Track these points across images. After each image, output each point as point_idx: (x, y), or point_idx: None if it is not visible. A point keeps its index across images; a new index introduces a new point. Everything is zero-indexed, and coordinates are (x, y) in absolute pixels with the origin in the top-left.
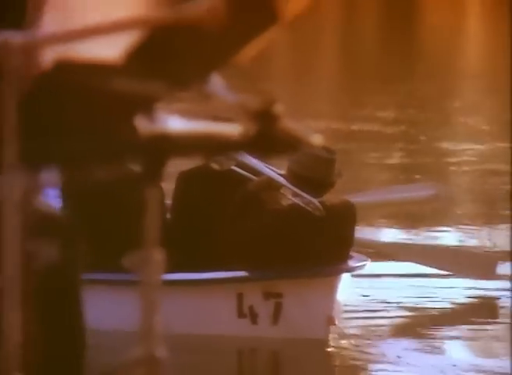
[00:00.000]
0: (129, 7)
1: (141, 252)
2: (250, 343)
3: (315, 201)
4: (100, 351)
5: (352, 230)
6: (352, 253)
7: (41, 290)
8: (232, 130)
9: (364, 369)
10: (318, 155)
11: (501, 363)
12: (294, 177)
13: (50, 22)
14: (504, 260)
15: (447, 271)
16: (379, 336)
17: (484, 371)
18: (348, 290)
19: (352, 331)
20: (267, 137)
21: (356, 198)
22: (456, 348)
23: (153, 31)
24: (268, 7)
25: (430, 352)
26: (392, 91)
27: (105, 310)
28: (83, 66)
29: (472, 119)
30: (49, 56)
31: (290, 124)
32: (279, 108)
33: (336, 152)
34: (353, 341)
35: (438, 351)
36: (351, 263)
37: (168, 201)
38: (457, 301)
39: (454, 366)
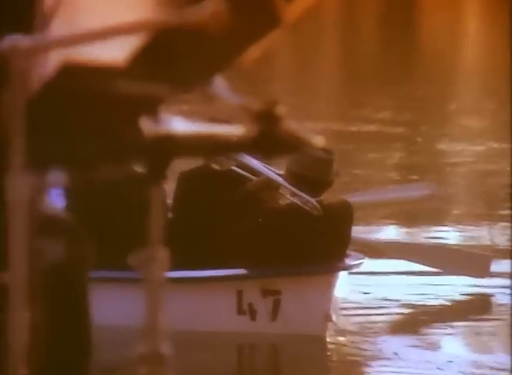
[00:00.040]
0: (135, 11)
1: (146, 251)
2: (249, 339)
3: (313, 200)
4: (105, 348)
5: (349, 229)
6: (349, 251)
7: (48, 288)
8: (235, 131)
9: (362, 364)
10: (316, 155)
11: (496, 359)
12: (293, 177)
13: (58, 26)
14: (499, 258)
15: (440, 269)
16: (376, 332)
17: (480, 367)
18: (345, 287)
19: (349, 328)
20: (269, 138)
21: (355, 198)
22: (452, 344)
23: (157, 34)
24: (270, 11)
25: (427, 348)
26: (391, 91)
27: (110, 307)
28: (88, 68)
29: (471, 119)
30: (55, 59)
31: (292, 125)
32: (281, 110)
33: (334, 153)
34: (350, 338)
35: (434, 347)
36: (348, 261)
37: (169, 201)
38: (452, 298)
39: (451, 362)
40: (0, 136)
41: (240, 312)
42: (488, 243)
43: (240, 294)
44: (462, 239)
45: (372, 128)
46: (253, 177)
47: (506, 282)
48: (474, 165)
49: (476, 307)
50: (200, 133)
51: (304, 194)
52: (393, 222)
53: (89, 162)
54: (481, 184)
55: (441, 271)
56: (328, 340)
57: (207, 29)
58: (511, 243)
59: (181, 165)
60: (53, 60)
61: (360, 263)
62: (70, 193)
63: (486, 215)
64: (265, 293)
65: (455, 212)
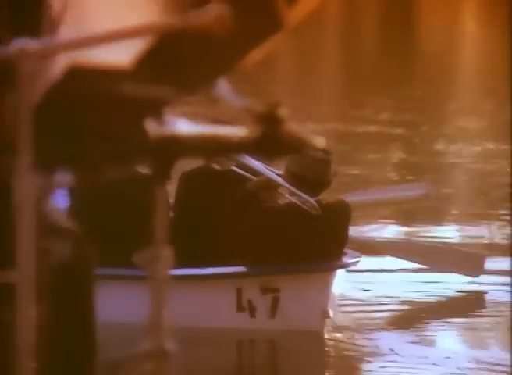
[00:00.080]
0: (140, 15)
1: (151, 249)
2: (248, 335)
3: (312, 200)
4: (110, 344)
5: (347, 228)
6: (346, 250)
7: (54, 287)
8: (238, 132)
9: (359, 360)
10: (314, 156)
11: (493, 354)
12: (292, 177)
13: (65, 29)
14: (497, 256)
15: (434, 268)
16: (373, 329)
17: (477, 362)
18: (343, 284)
19: (347, 324)
20: (271, 140)
21: (355, 197)
22: (449, 341)
23: (162, 37)
24: (272, 15)
25: (424, 344)
26: (391, 93)
27: (116, 304)
28: (94, 71)
29: (470, 120)
30: (62, 62)
31: (294, 127)
32: (283, 112)
33: (332, 153)
34: (347, 334)
35: (431, 343)
36: (345, 259)
37: (171, 200)
38: (449, 295)
39: (448, 358)
40: (7, 138)
41: (240, 308)
42: (485, 241)
43: (239, 291)
44: (460, 237)
45: (372, 129)
46: (253, 177)
47: (504, 279)
48: (473, 165)
49: (473, 304)
50: (204, 134)
51: (302, 194)
52: (393, 221)
53: (95, 163)
54: (479, 184)
55: (434, 269)
56: (326, 336)
57: (211, 32)
58: (511, 240)
59: (181, 165)
60: (60, 63)
61: (357, 261)
62: (77, 193)
63: (484, 214)
64: (264, 290)
65: (453, 211)
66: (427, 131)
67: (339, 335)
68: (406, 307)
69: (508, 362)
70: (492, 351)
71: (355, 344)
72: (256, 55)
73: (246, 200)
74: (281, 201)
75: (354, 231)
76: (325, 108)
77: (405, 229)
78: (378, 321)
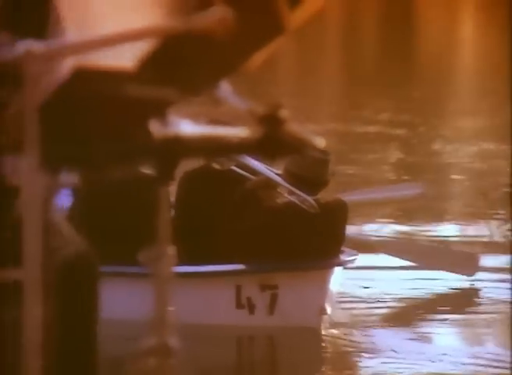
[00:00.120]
0: (144, 18)
1: (155, 248)
2: (247, 332)
3: (310, 199)
4: (114, 341)
5: (344, 227)
6: (343, 248)
7: (58, 286)
8: (239, 133)
9: (355, 356)
10: (312, 155)
11: (490, 351)
12: (290, 177)
13: (70, 32)
14: (488, 253)
15: (429, 267)
16: (370, 325)
17: (474, 358)
18: (340, 281)
19: (344, 320)
20: (273, 140)
21: (354, 196)
22: (446, 337)
23: (166, 40)
24: (274, 18)
25: (420, 341)
26: (391, 93)
27: (120, 301)
28: (99, 73)
29: (469, 120)
30: (67, 64)
31: (295, 127)
32: (284, 113)
33: (330, 153)
34: (344, 330)
35: (428, 340)
36: (343, 257)
37: (172, 200)
38: (445, 291)
39: (444, 354)
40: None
41: (239, 306)
42: (484, 240)
43: (238, 288)
44: (458, 236)
45: (372, 129)
46: (252, 177)
47: (501, 276)
48: (471, 165)
49: (470, 301)
50: (207, 135)
51: (301, 193)
52: (391, 220)
53: (100, 163)
54: (478, 184)
55: (428, 268)
56: (323, 332)
57: (214, 35)
58: (510, 239)
59: (182, 165)
60: (65, 65)
61: (354, 259)
62: (82, 193)
63: (483, 213)
64: (263, 287)
65: (452, 210)
66: (426, 131)
67: (336, 332)
68: (403, 304)
69: (504, 358)
70: (488, 347)
71: (352, 341)
72: (259, 58)
73: (245, 199)
74: (280, 200)
75: (352, 230)
76: (326, 108)
77: (403, 228)
78: (375, 318)
